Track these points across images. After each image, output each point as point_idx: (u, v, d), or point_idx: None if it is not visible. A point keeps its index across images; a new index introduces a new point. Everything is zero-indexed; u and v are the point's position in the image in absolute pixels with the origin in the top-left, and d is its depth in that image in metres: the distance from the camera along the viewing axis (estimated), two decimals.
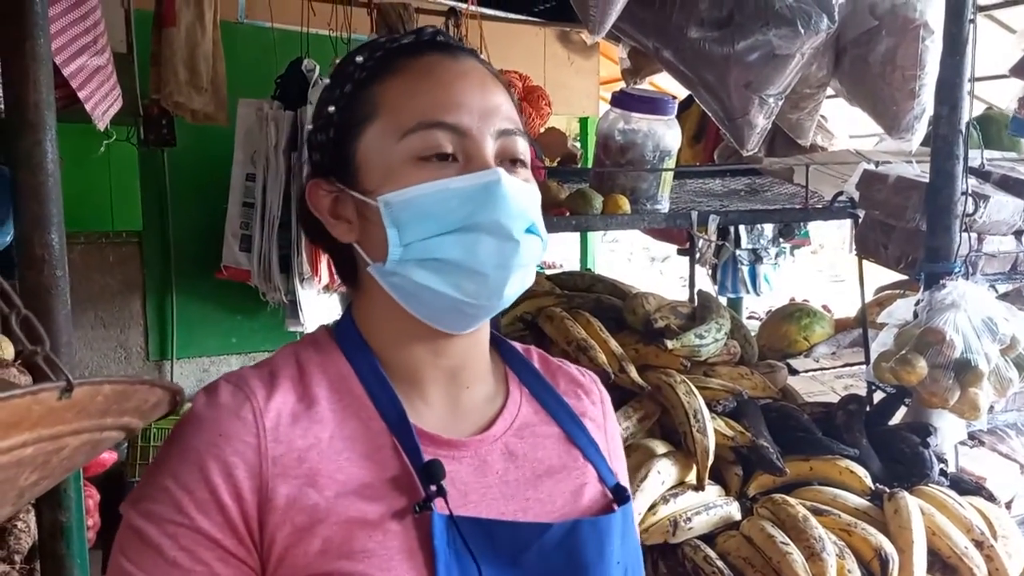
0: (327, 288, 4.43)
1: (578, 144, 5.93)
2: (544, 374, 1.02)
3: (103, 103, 2.15)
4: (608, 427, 1.06)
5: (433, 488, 0.82)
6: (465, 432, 0.92)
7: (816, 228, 5.21)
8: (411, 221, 0.84)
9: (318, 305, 4.45)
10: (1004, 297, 2.49)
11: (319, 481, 0.81)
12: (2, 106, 1.58)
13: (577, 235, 6.20)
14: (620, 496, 0.95)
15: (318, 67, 4.15)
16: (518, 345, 1.04)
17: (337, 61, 0.99)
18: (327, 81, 0.95)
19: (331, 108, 0.90)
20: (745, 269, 4.61)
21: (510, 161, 0.88)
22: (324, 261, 4.28)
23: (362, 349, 0.90)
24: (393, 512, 0.82)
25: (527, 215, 0.86)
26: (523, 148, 0.90)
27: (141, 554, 0.78)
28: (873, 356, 2.28)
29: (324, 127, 0.91)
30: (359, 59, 0.91)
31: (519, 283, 0.88)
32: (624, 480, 1.03)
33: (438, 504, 0.82)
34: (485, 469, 0.90)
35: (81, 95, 2.01)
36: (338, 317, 0.96)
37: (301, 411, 0.85)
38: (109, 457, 2.07)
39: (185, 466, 0.79)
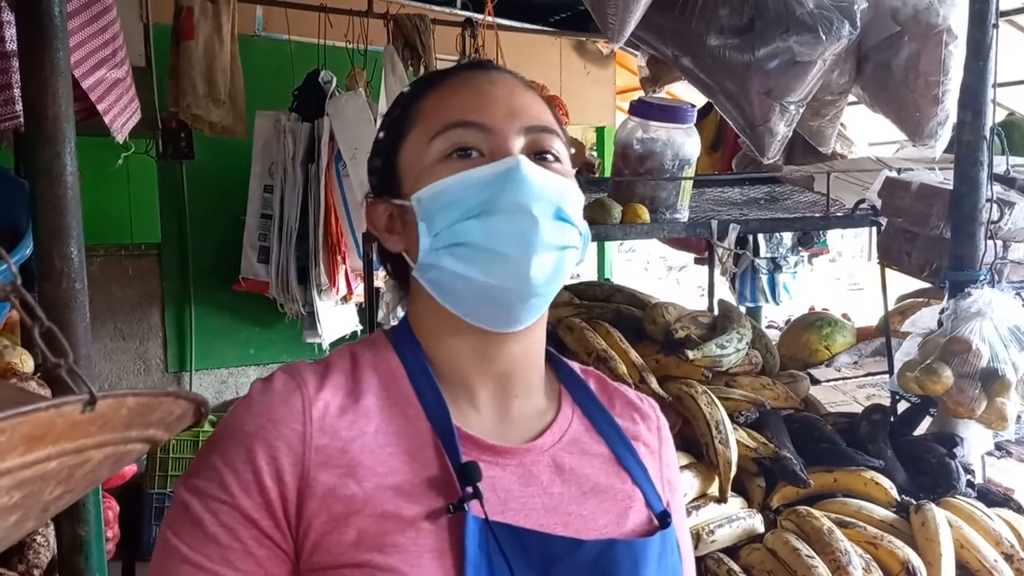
0: (345, 299, 4.44)
1: (595, 154, 5.92)
2: (600, 395, 1.02)
3: (122, 116, 2.16)
4: (664, 455, 1.04)
5: (469, 490, 0.82)
6: (513, 441, 0.92)
7: (834, 237, 5.18)
8: (438, 212, 0.87)
9: (336, 316, 4.46)
10: None
11: (359, 473, 0.83)
12: (21, 118, 1.58)
13: (594, 245, 6.19)
14: (665, 522, 0.94)
15: (335, 79, 4.17)
16: (576, 366, 1.06)
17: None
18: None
19: (382, 134, 0.96)
20: (764, 278, 4.59)
21: (538, 154, 0.89)
22: (342, 272, 4.29)
23: (414, 351, 0.93)
24: (429, 511, 0.82)
25: (551, 199, 0.87)
26: (556, 145, 0.91)
27: (184, 527, 0.80)
28: (897, 365, 2.25)
29: (377, 152, 0.96)
30: (405, 90, 0.98)
31: (547, 265, 0.88)
32: (675, 510, 1.00)
33: (474, 507, 0.82)
34: (530, 479, 0.90)
35: (100, 107, 2.01)
36: (397, 322, 0.99)
37: (349, 405, 0.87)
38: (129, 469, 2.07)
39: (232, 446, 0.82)
